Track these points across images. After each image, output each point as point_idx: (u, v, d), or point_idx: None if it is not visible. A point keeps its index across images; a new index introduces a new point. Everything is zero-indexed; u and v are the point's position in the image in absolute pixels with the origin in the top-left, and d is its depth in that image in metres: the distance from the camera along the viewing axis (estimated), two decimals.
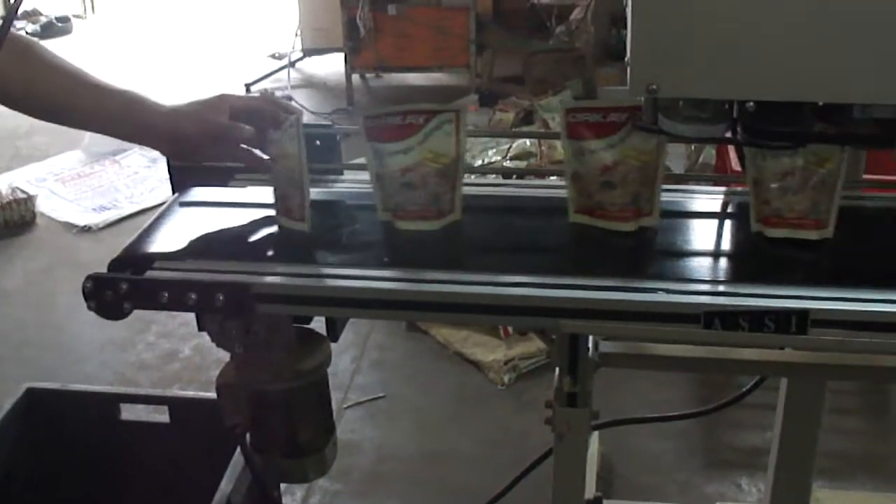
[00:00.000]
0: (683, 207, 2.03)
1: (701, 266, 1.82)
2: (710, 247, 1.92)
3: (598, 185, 1.86)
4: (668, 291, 1.67)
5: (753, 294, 1.66)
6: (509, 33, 7.95)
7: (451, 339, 4.27)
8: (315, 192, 1.98)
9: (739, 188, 2.05)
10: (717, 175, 3.64)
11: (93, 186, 6.19)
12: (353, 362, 4.22)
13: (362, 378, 4.13)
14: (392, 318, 3.81)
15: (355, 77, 7.66)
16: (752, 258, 1.85)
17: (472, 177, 2.47)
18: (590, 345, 1.98)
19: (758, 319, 1.62)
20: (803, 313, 1.61)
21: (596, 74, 6.95)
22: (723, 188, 2.15)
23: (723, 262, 1.88)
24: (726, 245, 1.94)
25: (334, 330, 1.96)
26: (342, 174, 2.19)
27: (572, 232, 1.93)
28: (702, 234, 1.94)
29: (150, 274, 1.79)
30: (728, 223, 2.02)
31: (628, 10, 1.59)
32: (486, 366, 4.09)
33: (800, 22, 1.55)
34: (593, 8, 7.19)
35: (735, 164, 2.97)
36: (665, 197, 1.94)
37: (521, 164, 5.15)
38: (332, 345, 1.99)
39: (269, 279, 1.78)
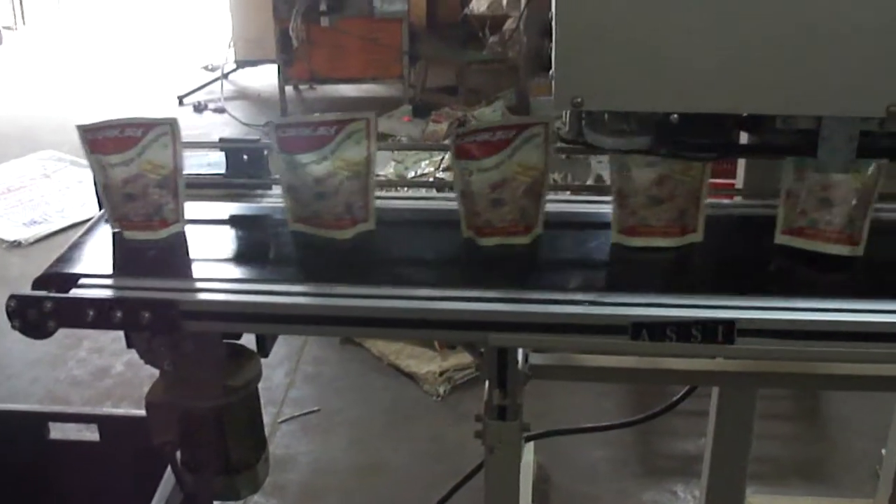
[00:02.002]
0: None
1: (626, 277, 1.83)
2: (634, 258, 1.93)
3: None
4: (594, 303, 1.67)
5: (681, 304, 1.67)
6: (443, 44, 7.96)
7: (385, 351, 4.26)
8: (243, 207, 1.97)
9: None
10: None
11: (23, 200, 6.11)
12: (288, 376, 4.19)
13: (297, 392, 4.11)
14: (319, 334, 3.78)
15: (289, 88, 7.62)
16: (676, 269, 1.87)
17: (406, 189, 2.47)
18: (519, 357, 1.98)
19: (685, 330, 1.63)
20: (730, 323, 1.63)
21: (529, 85, 6.97)
22: None
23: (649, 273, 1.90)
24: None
25: (264, 345, 1.95)
26: (270, 188, 2.17)
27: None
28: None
29: (75, 292, 1.77)
30: None
31: (553, 25, 1.60)
32: (421, 377, 4.09)
33: (722, 36, 1.57)
34: (526, 18, 7.21)
35: None
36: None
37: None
38: (266, 358, 1.97)
39: (196, 296, 1.76)
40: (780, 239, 1.86)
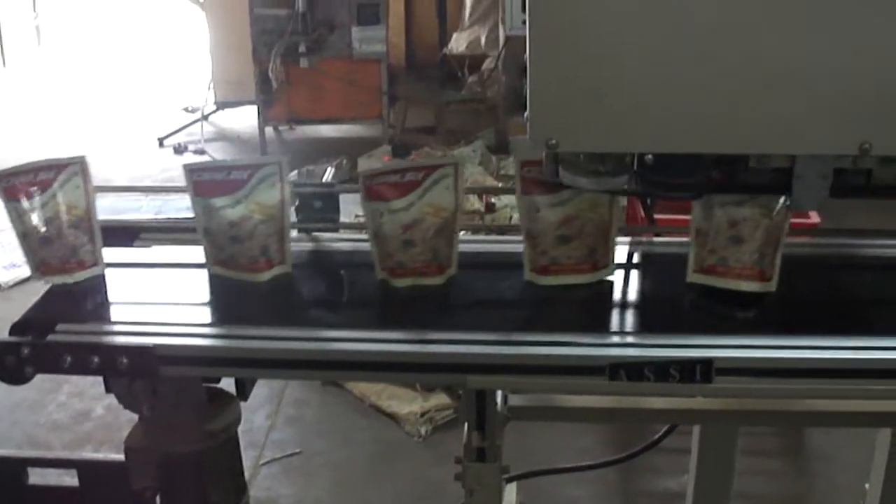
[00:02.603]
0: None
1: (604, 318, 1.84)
2: (614, 298, 1.94)
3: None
4: (574, 344, 1.68)
5: (659, 344, 1.67)
6: (422, 84, 8.01)
7: (367, 392, 4.25)
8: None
9: (644, 239, 2.09)
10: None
11: (3, 243, 6.08)
12: (269, 418, 4.18)
13: (278, 434, 4.09)
14: (300, 378, 3.78)
15: (269, 129, 7.64)
16: (654, 308, 1.87)
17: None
18: (498, 399, 1.98)
19: (663, 370, 1.63)
20: (707, 362, 1.63)
21: (508, 124, 7.00)
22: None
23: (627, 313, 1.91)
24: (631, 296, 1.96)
25: (244, 389, 1.94)
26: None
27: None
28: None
29: (52, 337, 1.76)
30: (621, 273, 2.03)
31: (527, 67, 1.61)
32: (403, 418, 4.08)
33: (696, 76, 1.57)
34: (504, 58, 7.25)
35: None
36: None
37: None
38: (246, 402, 1.97)
39: (174, 340, 1.76)
40: (693, 278, 1.88)
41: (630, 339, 1.72)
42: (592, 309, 1.89)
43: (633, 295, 1.95)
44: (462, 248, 1.96)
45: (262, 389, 4.16)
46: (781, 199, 1.79)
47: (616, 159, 1.70)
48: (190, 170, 1.92)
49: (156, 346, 1.72)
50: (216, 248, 1.96)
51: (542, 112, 1.61)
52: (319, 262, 2.11)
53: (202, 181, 1.91)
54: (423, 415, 4.07)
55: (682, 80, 1.58)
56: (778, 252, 1.83)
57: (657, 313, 1.88)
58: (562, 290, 1.90)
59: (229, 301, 1.94)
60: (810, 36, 1.56)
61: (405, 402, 4.15)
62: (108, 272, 1.99)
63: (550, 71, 1.58)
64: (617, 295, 1.92)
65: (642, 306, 1.91)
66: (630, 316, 1.91)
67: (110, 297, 1.95)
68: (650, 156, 1.65)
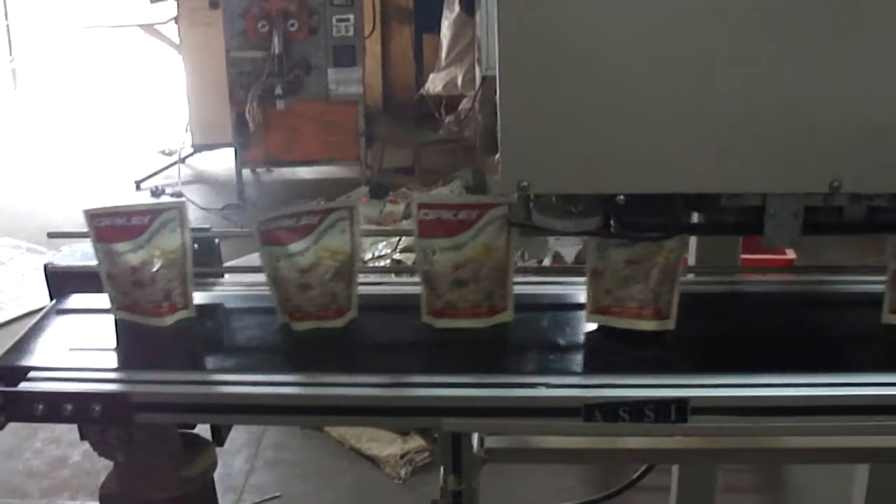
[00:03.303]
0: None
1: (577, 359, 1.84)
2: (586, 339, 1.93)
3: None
4: (548, 386, 1.68)
5: (633, 385, 1.67)
6: (399, 125, 8.04)
7: (346, 435, 4.22)
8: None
9: None
10: (559, 266, 3.69)
11: None
12: (248, 462, 4.15)
13: (257, 478, 4.06)
14: (274, 424, 3.76)
15: (246, 172, 7.63)
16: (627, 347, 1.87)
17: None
18: (475, 441, 1.98)
19: (638, 409, 1.63)
20: (682, 402, 1.63)
21: (485, 163, 7.02)
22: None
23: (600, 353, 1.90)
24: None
25: (220, 435, 1.94)
26: (222, 276, 2.18)
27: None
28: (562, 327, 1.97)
29: (24, 385, 1.75)
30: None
31: (498, 110, 1.61)
32: (383, 461, 4.06)
33: (665, 117, 1.59)
34: (481, 98, 7.28)
35: None
36: None
37: (412, 256, 5.14)
38: (222, 447, 1.96)
39: (148, 387, 1.75)
40: (590, 318, 1.90)
41: (605, 380, 1.71)
42: (491, 351, 1.90)
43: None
44: (371, 290, 1.99)
45: (241, 433, 4.13)
46: (676, 238, 1.80)
47: (589, 201, 1.71)
48: (91, 215, 1.92)
49: (129, 393, 1.71)
50: (119, 293, 1.95)
51: (514, 154, 1.62)
52: (223, 306, 2.09)
53: (102, 227, 1.91)
54: (402, 457, 4.04)
55: (652, 121, 1.59)
56: (675, 290, 1.85)
57: (630, 352, 1.88)
58: (464, 334, 1.91)
59: (137, 346, 1.94)
60: (779, 75, 1.57)
61: (385, 444, 4.13)
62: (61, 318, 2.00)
63: (521, 114, 1.59)
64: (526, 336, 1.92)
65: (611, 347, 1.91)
66: (603, 356, 1.90)
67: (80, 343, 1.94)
68: (622, 196, 1.66)
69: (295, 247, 1.87)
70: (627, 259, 1.82)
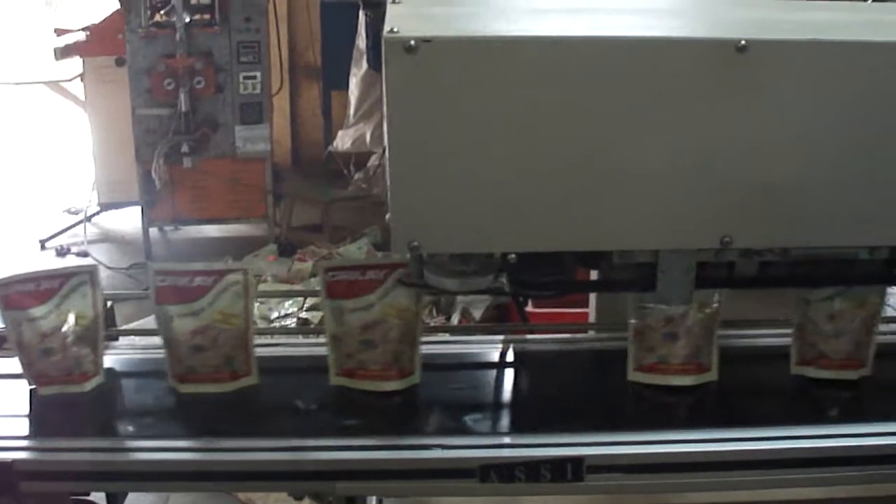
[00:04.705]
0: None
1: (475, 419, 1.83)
2: (486, 398, 1.93)
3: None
4: (444, 447, 1.66)
5: (529, 444, 1.66)
6: (307, 182, 8.00)
7: (252, 496, 4.16)
8: None
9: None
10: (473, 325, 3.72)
11: None
12: None
13: None
14: (169, 491, 3.69)
15: (153, 230, 7.54)
16: (525, 407, 1.87)
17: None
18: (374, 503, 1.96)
19: (534, 469, 1.63)
20: (578, 460, 1.63)
21: None
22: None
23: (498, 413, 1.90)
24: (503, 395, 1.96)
25: (115, 501, 1.89)
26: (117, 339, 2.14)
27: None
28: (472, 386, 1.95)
29: None
30: (494, 372, 2.03)
31: (387, 173, 1.61)
32: None
33: (554, 176, 1.59)
34: None
35: None
36: None
37: (319, 314, 5.11)
38: None
39: (35, 455, 1.70)
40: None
41: (499, 440, 1.70)
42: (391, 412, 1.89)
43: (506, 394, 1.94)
44: (275, 351, 1.97)
45: (147, 496, 4.05)
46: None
47: (481, 260, 1.70)
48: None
49: (15, 461, 1.66)
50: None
51: (404, 215, 1.61)
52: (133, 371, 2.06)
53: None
54: None
55: (540, 180, 1.59)
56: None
57: (528, 411, 1.87)
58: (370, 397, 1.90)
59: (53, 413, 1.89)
60: (668, 135, 1.59)
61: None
62: None
63: (410, 175, 1.59)
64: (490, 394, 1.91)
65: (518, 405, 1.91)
66: (501, 415, 1.90)
67: None
68: (513, 255, 1.66)
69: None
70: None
